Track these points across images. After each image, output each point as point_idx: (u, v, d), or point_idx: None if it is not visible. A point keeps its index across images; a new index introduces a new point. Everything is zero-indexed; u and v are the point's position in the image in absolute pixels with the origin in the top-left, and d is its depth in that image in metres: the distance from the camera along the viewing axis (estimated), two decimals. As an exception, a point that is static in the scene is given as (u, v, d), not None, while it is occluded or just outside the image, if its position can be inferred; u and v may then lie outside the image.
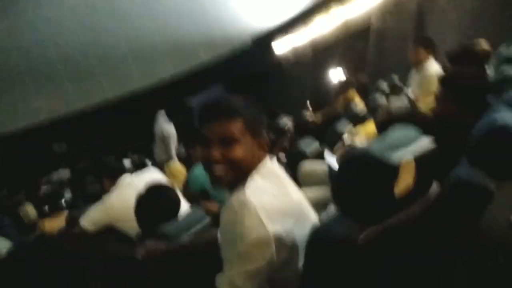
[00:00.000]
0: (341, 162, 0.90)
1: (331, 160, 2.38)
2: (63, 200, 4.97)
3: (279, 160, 3.08)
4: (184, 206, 2.14)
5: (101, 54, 8.88)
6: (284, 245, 1.00)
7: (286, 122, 4.43)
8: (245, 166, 1.10)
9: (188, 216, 1.83)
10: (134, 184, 2.37)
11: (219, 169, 1.10)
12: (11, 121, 8.71)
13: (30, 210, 4.46)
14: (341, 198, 0.91)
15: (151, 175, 2.56)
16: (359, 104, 3.77)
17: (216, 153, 1.08)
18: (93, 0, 8.65)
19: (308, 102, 6.48)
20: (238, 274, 0.97)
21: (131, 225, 1.98)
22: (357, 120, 3.19)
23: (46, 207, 3.87)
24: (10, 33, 8.41)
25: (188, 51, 8.93)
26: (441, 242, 1.06)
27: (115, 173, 2.53)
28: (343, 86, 4.38)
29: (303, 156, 2.69)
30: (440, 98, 1.76)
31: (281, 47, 8.33)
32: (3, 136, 8.53)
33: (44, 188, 5.83)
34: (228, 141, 1.09)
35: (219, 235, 1.44)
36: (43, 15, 8.47)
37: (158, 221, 1.72)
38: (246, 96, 1.22)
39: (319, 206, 1.40)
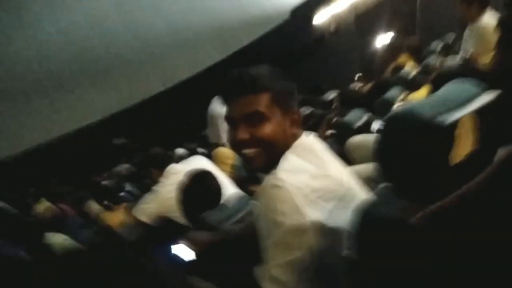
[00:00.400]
0: (382, 125, 0.75)
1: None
2: (123, 193, 5.19)
3: (327, 136, 2.93)
4: (230, 190, 2.08)
5: (147, 48, 9.08)
6: (324, 230, 0.88)
7: (332, 96, 4.22)
8: (278, 145, 0.98)
9: (232, 202, 1.77)
10: (180, 173, 2.35)
11: (249, 151, 0.99)
12: (71, 120, 9.21)
13: (93, 205, 4.69)
14: (385, 170, 0.77)
15: (197, 163, 2.53)
16: (412, 69, 3.46)
17: (243, 133, 0.98)
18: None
19: (357, 74, 6.16)
20: (277, 265, 0.87)
21: (181, 214, 1.95)
22: (410, 86, 2.93)
23: (107, 201, 4.05)
24: (59, 32, 8.79)
25: (229, 36, 8.88)
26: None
27: (162, 163, 2.52)
28: (393, 52, 4.09)
29: (351, 130, 2.51)
30: (500, 46, 1.51)
31: (322, 18, 7.97)
32: (64, 135, 9.06)
33: (104, 183, 6.10)
34: (255, 118, 0.97)
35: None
36: (88, 12, 8.77)
37: (200, 209, 1.68)
38: (281, 70, 1.07)
39: (370, 183, 1.25)
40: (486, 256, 0.77)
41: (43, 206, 5.90)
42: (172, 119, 8.96)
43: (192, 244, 1.42)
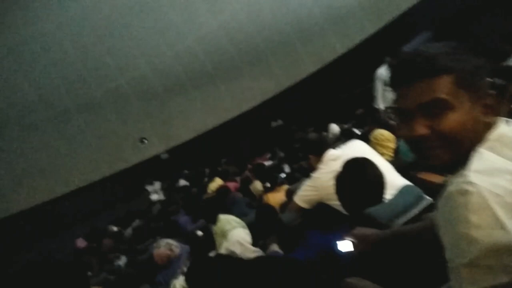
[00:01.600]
0: None
1: None
2: (283, 175, 5.41)
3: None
4: (397, 181, 1.88)
5: (299, 28, 9.17)
6: None
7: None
8: (467, 139, 0.79)
9: (402, 196, 1.59)
10: (339, 159, 2.26)
11: (428, 148, 0.81)
12: (233, 106, 10.02)
13: (257, 185, 5.02)
14: None
15: (356, 148, 2.40)
16: None
17: (421, 128, 0.80)
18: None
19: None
20: None
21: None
22: None
23: (268, 183, 4.26)
24: (221, 26, 9.56)
25: (382, 3, 8.24)
26: None
27: (319, 148, 2.48)
28: None
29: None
30: None
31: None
32: (228, 121, 9.92)
33: (267, 164, 6.46)
34: (436, 108, 0.78)
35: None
36: (245, 2, 9.29)
37: (361, 201, 1.55)
38: (458, 42, 0.85)
39: None
40: None
41: (216, 184, 6.63)
42: (326, 99, 8.89)
43: (359, 241, 1.32)
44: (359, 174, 1.63)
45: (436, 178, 2.10)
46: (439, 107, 0.78)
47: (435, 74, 0.79)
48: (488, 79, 0.83)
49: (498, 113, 0.82)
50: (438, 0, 7.25)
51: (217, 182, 6.59)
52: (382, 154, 2.47)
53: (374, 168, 1.65)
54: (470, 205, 0.69)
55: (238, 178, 6.33)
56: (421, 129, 0.80)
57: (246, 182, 5.45)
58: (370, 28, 8.49)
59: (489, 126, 0.80)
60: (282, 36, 9.37)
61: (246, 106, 9.86)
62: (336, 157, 2.32)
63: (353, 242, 1.31)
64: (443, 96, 0.78)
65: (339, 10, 8.78)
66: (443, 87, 0.78)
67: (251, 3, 9.22)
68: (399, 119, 0.85)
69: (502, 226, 0.67)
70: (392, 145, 2.99)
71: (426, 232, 1.23)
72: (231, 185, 5.78)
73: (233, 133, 9.56)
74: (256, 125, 9.77)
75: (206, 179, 7.92)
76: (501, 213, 0.67)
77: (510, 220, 0.67)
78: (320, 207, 2.35)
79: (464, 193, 0.70)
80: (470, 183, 0.71)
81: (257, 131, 9.68)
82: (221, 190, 5.06)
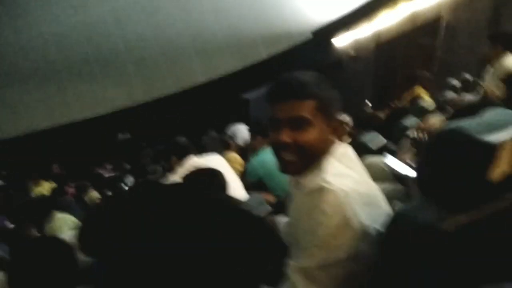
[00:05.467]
0: (430, 138, 0.80)
1: (392, 160, 2.23)
2: (123, 184, 5.24)
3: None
4: (241, 193, 2.12)
5: (165, 48, 9.21)
6: (367, 235, 0.91)
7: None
8: (316, 151, 1.02)
9: (248, 203, 1.80)
10: (199, 165, 2.34)
11: (288, 154, 1.02)
12: (79, 110, 9.28)
13: (93, 194, 4.72)
14: (427, 180, 0.82)
15: (216, 160, 2.57)
16: (429, 101, 3.55)
17: (286, 136, 1.00)
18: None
19: (366, 100, 6.24)
20: (315, 264, 0.90)
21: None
22: (424, 115, 2.99)
23: (109, 192, 4.09)
24: (82, 23, 8.95)
25: (249, 47, 9.02)
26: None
27: (183, 152, 2.57)
28: (408, 82, 4.19)
29: (367, 150, 2.55)
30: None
31: (343, 42, 8.10)
32: (71, 124, 9.12)
33: (107, 174, 6.14)
34: (300, 123, 1.00)
35: (285, 221, 1.39)
36: (113, 6, 8.93)
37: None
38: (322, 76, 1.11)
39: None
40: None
41: (43, 188, 5.97)
42: (180, 122, 9.03)
43: None
44: (206, 180, 1.84)
45: (269, 197, 2.44)
46: (303, 123, 1.00)
47: (304, 97, 1.00)
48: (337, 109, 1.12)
49: (340, 135, 1.10)
50: (293, 59, 8.38)
51: (44, 187, 6.04)
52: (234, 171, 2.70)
53: (219, 178, 1.89)
54: (325, 198, 0.91)
55: (73, 184, 5.85)
56: (286, 137, 1.01)
57: (82, 190, 5.13)
58: (234, 65, 9.14)
59: (333, 144, 1.06)
60: (149, 52, 9.27)
61: (92, 112, 9.24)
62: (196, 163, 2.44)
63: None
64: (307, 115, 1.00)
65: (207, 42, 9.21)
66: (308, 108, 1.00)
67: (120, 17, 8.92)
68: (272, 128, 1.06)
69: (346, 214, 0.90)
70: (240, 167, 3.32)
71: None
72: (68, 189, 5.33)
73: (71, 139, 8.76)
74: (101, 135, 9.20)
75: (30, 182, 7.01)
76: (347, 206, 0.90)
77: (353, 211, 0.91)
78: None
79: (322, 189, 0.92)
80: (327, 182, 0.93)
81: (101, 140, 9.10)
82: (57, 190, 4.60)
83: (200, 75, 9.28)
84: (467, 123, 0.76)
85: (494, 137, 0.73)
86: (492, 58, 3.13)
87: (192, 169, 2.25)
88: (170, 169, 2.59)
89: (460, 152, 0.73)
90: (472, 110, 1.10)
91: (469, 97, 3.07)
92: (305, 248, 0.93)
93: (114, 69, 9.36)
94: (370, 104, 5.91)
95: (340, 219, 0.89)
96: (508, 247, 0.77)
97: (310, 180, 0.98)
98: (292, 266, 0.95)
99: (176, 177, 2.40)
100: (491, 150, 0.72)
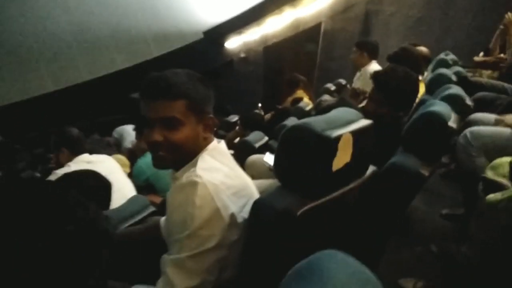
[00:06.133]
0: (283, 133, 0.90)
1: (270, 157, 2.38)
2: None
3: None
4: (130, 194, 2.05)
5: (47, 46, 8.41)
6: (236, 224, 0.97)
7: (235, 118, 4.44)
8: (189, 148, 1.05)
9: (129, 204, 1.76)
10: (91, 163, 2.16)
11: (160, 151, 1.04)
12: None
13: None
14: (282, 171, 0.91)
15: (106, 160, 2.39)
16: (308, 103, 3.86)
17: (158, 135, 1.02)
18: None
19: (259, 103, 6.53)
20: (188, 255, 0.93)
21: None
22: (304, 116, 3.26)
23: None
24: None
25: (139, 46, 8.69)
26: (371, 221, 1.11)
27: (77, 146, 2.27)
28: (291, 86, 4.50)
29: (252, 149, 2.70)
30: (373, 98, 1.83)
31: (233, 44, 8.32)
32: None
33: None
34: (171, 123, 1.02)
35: (164, 218, 1.40)
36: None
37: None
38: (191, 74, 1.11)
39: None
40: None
41: None
42: (61, 121, 8.28)
43: None
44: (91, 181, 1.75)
45: (157, 199, 2.41)
46: (173, 123, 1.02)
47: (173, 97, 1.01)
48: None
49: (213, 131, 1.14)
50: (184, 59, 8.32)
51: None
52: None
53: (99, 180, 1.81)
54: (196, 191, 0.94)
55: None
56: (157, 137, 1.02)
57: None
58: (121, 63, 8.72)
59: (207, 140, 1.10)
60: (27, 49, 8.33)
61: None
62: (89, 161, 2.21)
63: None
64: (177, 115, 1.02)
65: (93, 38, 8.64)
66: (178, 108, 1.02)
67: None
68: (146, 125, 1.06)
69: (216, 206, 0.94)
70: (127, 169, 3.20)
71: (149, 231, 1.46)
72: None
73: None
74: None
75: None
76: (216, 197, 0.95)
77: (222, 202, 0.95)
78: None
79: (193, 183, 0.95)
80: (198, 176, 0.96)
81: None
82: None
83: (84, 73, 8.65)
84: (314, 120, 0.87)
85: (335, 132, 0.86)
86: (358, 64, 3.51)
87: (84, 165, 2.07)
88: (58, 163, 2.28)
89: (306, 145, 0.84)
90: (329, 110, 1.24)
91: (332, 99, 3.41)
92: (176, 240, 0.96)
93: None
94: (260, 106, 6.19)
95: (209, 211, 0.93)
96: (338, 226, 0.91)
97: (183, 175, 1.01)
98: (165, 259, 0.97)
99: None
100: (331, 143, 0.84)
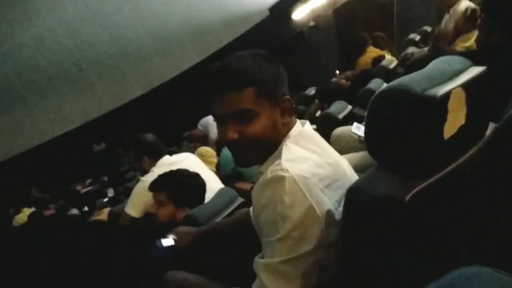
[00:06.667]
0: (372, 101, 0.72)
1: (359, 127, 2.16)
2: (106, 199, 5.11)
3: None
4: (217, 186, 2.03)
5: (125, 51, 8.95)
6: (334, 222, 0.83)
7: (313, 90, 4.23)
8: (269, 140, 0.93)
9: (219, 197, 1.73)
10: (174, 164, 2.17)
11: (239, 149, 0.94)
12: (48, 130, 8.99)
13: (74, 212, 4.58)
14: (376, 147, 0.74)
15: (188, 157, 2.42)
16: (392, 60, 3.49)
17: (231, 132, 0.91)
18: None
19: (336, 70, 6.18)
20: (281, 260, 0.81)
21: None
22: (390, 75, 2.95)
23: (86, 208, 3.96)
24: (34, 40, 8.60)
25: (209, 36, 8.81)
26: (495, 195, 0.88)
27: (155, 151, 2.31)
28: (359, 46, 4.13)
29: (336, 121, 2.50)
30: (483, 27, 1.52)
31: (301, 14, 7.98)
32: (41, 145, 8.83)
33: (85, 190, 5.98)
34: (243, 116, 0.90)
35: (252, 215, 1.32)
36: (63, 17, 8.58)
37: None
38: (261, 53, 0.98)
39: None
40: (480, 230, 0.76)
41: (25, 215, 5.77)
42: (152, 122, 8.83)
43: (180, 237, 1.39)
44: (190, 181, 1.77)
45: (247, 186, 2.36)
46: (246, 116, 0.90)
47: (239, 87, 0.89)
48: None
49: (292, 114, 0.99)
50: (252, 40, 8.23)
51: (25, 213, 5.81)
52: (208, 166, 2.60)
53: (196, 178, 1.80)
54: (284, 188, 0.80)
55: (52, 206, 5.68)
56: (231, 134, 0.91)
57: (62, 210, 4.99)
58: (197, 56, 8.94)
59: (288, 125, 0.96)
60: (108, 57, 8.97)
61: (61, 129, 8.96)
62: (171, 163, 2.24)
63: (174, 239, 1.38)
64: (249, 106, 0.89)
65: (166, 37, 8.98)
66: (248, 98, 0.89)
67: (72, 26, 8.56)
68: (217, 124, 0.96)
69: (309, 204, 0.80)
70: (214, 160, 3.23)
71: (239, 224, 1.39)
72: (47, 212, 5.18)
73: (45, 159, 8.48)
74: (75, 149, 8.93)
75: (11, 210, 6.81)
76: (308, 193, 0.81)
77: (316, 198, 0.81)
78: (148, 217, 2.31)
79: (280, 178, 0.81)
80: (284, 169, 0.82)
81: (76, 155, 8.85)
82: (34, 215, 4.43)
83: (165, 72, 9.05)
84: (410, 79, 0.69)
85: (440, 90, 0.66)
86: (448, 5, 3.09)
87: (168, 168, 2.11)
88: (142, 170, 2.34)
89: (405, 112, 0.66)
90: (423, 63, 1.02)
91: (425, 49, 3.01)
92: (268, 243, 0.85)
93: (76, 81, 9.05)
94: (338, 73, 5.86)
95: (302, 209, 0.80)
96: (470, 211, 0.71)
97: (267, 169, 0.87)
98: (258, 262, 0.87)
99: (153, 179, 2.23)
100: (438, 104, 0.65)
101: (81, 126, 9.10)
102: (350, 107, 2.72)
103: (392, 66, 3.18)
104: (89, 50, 8.84)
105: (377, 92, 0.71)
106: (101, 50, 8.88)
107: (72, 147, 8.79)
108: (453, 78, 0.70)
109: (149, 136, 2.39)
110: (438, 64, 0.76)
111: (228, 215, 1.60)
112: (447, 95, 0.66)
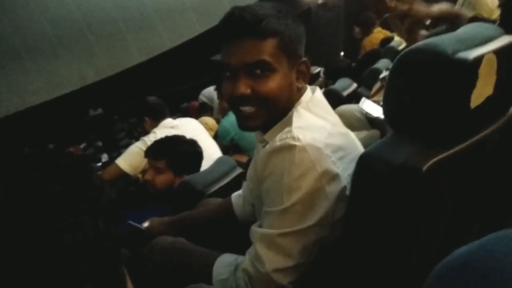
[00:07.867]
0: (397, 60, 0.66)
1: (367, 103, 2.10)
2: (99, 164, 5.06)
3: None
4: (216, 155, 1.99)
5: (127, 18, 8.76)
6: (344, 197, 0.77)
7: (317, 69, 4.14)
8: (281, 102, 0.83)
9: (217, 165, 1.69)
10: (175, 127, 2.18)
11: (248, 108, 0.83)
12: (46, 91, 8.86)
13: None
14: (395, 112, 0.69)
15: (191, 122, 2.39)
16: (401, 42, 3.40)
17: (244, 86, 0.81)
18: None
19: (341, 52, 6.06)
20: (280, 233, 0.76)
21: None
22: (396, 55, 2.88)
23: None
24: (34, 3, 8.38)
25: (215, 7, 8.62)
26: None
27: (158, 113, 2.31)
28: (366, 26, 4.03)
29: (339, 98, 2.44)
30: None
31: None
32: (39, 105, 8.71)
33: (79, 154, 5.92)
34: (260, 69, 0.80)
35: (237, 193, 1.25)
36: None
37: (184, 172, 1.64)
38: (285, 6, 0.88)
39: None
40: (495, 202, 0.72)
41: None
42: (150, 90, 8.70)
43: (156, 225, 1.29)
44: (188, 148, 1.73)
45: (243, 158, 2.33)
46: (263, 69, 0.80)
47: (263, 35, 0.79)
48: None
49: (307, 79, 0.90)
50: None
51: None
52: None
53: (194, 145, 1.76)
54: (294, 158, 0.74)
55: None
56: (244, 89, 0.81)
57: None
58: (199, 27, 8.76)
59: (300, 90, 0.88)
60: (110, 23, 8.77)
61: (58, 91, 8.81)
62: (173, 126, 2.22)
63: (146, 227, 1.30)
64: (268, 58, 0.79)
65: (169, 6, 8.78)
66: (268, 49, 0.80)
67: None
68: (225, 76, 0.86)
69: (319, 176, 0.74)
70: (212, 132, 3.19)
71: (213, 215, 1.29)
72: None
73: (40, 120, 8.37)
74: (71, 113, 8.82)
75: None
76: (318, 165, 0.74)
77: (326, 170, 0.75)
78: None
79: (290, 147, 0.75)
80: (296, 138, 0.75)
81: (71, 119, 8.74)
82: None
83: (166, 40, 8.89)
84: (442, 39, 0.63)
85: (473, 53, 0.61)
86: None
87: (169, 131, 2.07)
88: (144, 131, 2.34)
89: (433, 74, 0.61)
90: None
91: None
92: (268, 213, 0.79)
93: (76, 44, 8.86)
94: (342, 55, 5.76)
95: (311, 183, 0.74)
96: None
97: (276, 136, 0.79)
98: (254, 231, 0.82)
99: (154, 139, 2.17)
100: (470, 68, 0.60)
101: (78, 90, 8.97)
102: (355, 84, 2.67)
103: (401, 47, 3.10)
104: (92, 14, 8.64)
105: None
106: (104, 15, 8.69)
107: (68, 110, 8.68)
108: (486, 43, 0.65)
109: (152, 98, 2.39)
110: (469, 28, 0.71)
111: (227, 184, 1.56)
112: (479, 60, 0.61)
